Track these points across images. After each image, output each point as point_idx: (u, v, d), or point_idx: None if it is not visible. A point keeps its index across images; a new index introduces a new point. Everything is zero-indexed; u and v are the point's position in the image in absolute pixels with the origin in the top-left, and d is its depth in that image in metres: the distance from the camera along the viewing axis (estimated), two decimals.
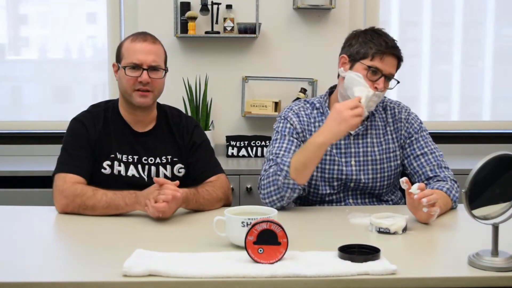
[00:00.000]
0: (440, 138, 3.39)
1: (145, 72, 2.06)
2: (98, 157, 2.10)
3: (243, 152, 3.43)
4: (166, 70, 2.13)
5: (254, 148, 3.43)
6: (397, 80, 2.09)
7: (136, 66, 2.07)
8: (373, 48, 2.03)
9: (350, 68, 2.07)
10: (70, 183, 1.99)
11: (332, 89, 2.22)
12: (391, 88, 2.09)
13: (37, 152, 3.47)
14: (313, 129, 2.14)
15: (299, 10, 3.48)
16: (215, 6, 3.39)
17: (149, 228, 1.83)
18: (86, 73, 3.72)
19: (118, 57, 2.13)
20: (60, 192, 1.98)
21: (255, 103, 3.43)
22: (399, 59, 2.08)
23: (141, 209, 1.92)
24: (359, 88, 2.01)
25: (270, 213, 1.63)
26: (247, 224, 1.55)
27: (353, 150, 2.14)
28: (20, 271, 1.45)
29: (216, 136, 3.48)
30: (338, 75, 2.14)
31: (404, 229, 1.74)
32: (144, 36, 2.12)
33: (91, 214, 1.95)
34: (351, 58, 2.08)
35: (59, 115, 3.57)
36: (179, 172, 2.15)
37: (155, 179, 1.93)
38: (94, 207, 1.93)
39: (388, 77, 2.06)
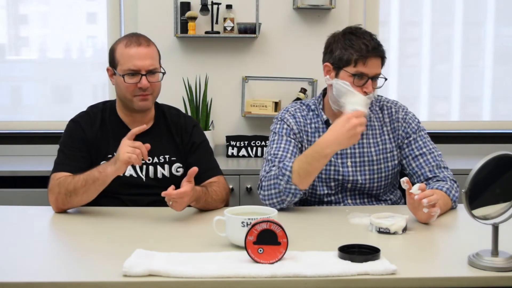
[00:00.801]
0: (440, 138, 3.39)
1: (144, 77, 2.06)
2: (95, 157, 2.10)
3: (243, 152, 3.43)
4: (163, 72, 2.12)
5: (254, 148, 3.43)
6: (384, 78, 2.08)
7: (134, 73, 2.06)
8: (354, 54, 2.01)
9: (336, 75, 2.06)
10: (57, 179, 2.00)
11: (325, 91, 2.22)
12: (380, 87, 2.08)
13: (37, 152, 3.47)
14: (309, 130, 2.14)
15: (299, 10, 3.48)
16: (215, 6, 3.39)
17: (149, 228, 1.83)
18: (86, 73, 3.72)
19: (113, 62, 2.12)
20: (49, 190, 2.00)
21: (255, 103, 3.43)
22: (382, 57, 2.06)
23: (114, 169, 1.89)
24: (349, 101, 1.99)
25: (270, 213, 1.63)
26: (247, 224, 1.55)
27: (349, 151, 2.14)
28: (20, 271, 1.45)
29: (216, 136, 3.48)
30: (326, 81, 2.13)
31: (404, 229, 1.74)
32: (137, 39, 2.09)
33: (79, 202, 1.96)
34: (334, 66, 2.06)
35: (59, 115, 3.57)
36: (177, 171, 2.16)
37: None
38: (75, 189, 1.94)
39: (375, 77, 2.05)
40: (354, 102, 1.98)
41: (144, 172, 2.12)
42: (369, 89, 2.03)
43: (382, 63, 2.07)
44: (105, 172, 1.92)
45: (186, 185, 1.86)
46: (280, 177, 1.98)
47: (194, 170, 1.89)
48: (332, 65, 2.07)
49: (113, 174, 1.92)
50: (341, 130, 1.90)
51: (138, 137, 2.14)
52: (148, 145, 1.89)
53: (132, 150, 1.85)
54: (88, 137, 2.11)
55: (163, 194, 1.84)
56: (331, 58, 2.07)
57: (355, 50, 2.01)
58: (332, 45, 2.08)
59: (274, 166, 2.03)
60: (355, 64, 2.01)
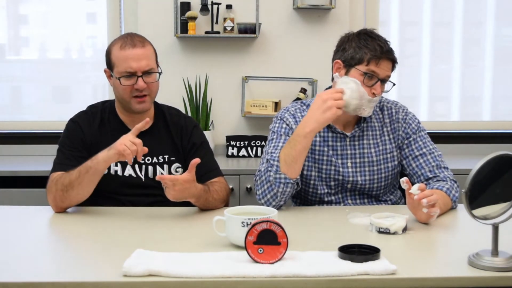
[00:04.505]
0: (440, 138, 3.40)
1: (140, 79, 2.06)
2: None
3: (243, 152, 3.43)
4: (159, 72, 2.11)
5: (254, 148, 3.43)
6: (393, 83, 2.09)
7: (130, 75, 2.06)
8: (368, 53, 2.02)
9: (346, 73, 2.06)
10: (54, 178, 2.00)
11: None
12: (387, 91, 2.09)
13: (37, 152, 3.47)
14: None
15: (299, 10, 3.48)
16: (215, 6, 3.39)
17: (149, 228, 1.83)
18: (86, 73, 3.72)
19: (109, 64, 2.12)
20: (47, 190, 2.01)
21: (255, 103, 3.43)
22: (394, 62, 2.07)
23: (105, 156, 1.90)
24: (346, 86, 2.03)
25: (270, 213, 1.63)
26: (247, 224, 1.55)
27: (349, 152, 2.14)
28: (20, 271, 1.45)
29: (216, 136, 3.48)
30: (333, 79, 2.14)
31: (404, 229, 1.74)
32: (132, 40, 2.08)
33: (76, 197, 1.96)
34: (345, 64, 2.06)
35: (59, 115, 3.57)
36: (176, 171, 2.16)
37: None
38: (70, 183, 1.94)
39: (384, 80, 2.06)
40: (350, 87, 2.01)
41: (143, 172, 2.13)
42: (378, 90, 2.03)
43: (393, 68, 2.08)
44: (97, 159, 1.92)
45: (184, 174, 1.88)
46: (269, 169, 2.00)
47: (195, 161, 1.90)
48: (343, 62, 2.07)
49: (104, 161, 1.91)
50: (314, 106, 1.97)
51: (139, 136, 2.15)
52: (146, 149, 1.89)
53: (130, 144, 1.86)
54: (87, 137, 2.11)
55: (157, 177, 1.87)
56: (343, 56, 2.07)
57: (369, 50, 2.02)
58: (345, 43, 2.09)
59: (266, 162, 2.04)
60: (367, 63, 2.02)
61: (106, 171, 2.09)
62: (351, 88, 2.00)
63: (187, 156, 2.17)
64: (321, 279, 1.37)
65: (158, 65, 2.14)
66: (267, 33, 3.49)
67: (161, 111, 2.22)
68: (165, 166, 2.15)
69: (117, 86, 2.09)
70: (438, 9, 3.78)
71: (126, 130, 2.15)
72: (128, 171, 2.11)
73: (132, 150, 1.86)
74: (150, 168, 2.13)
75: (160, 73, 2.12)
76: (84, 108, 2.21)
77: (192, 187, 1.91)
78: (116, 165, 2.11)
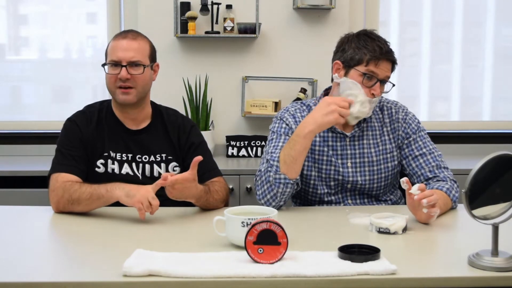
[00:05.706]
0: (440, 138, 3.39)
1: (123, 68, 2.06)
2: (92, 156, 2.11)
3: (243, 152, 3.43)
4: (146, 65, 2.10)
5: (254, 148, 3.43)
6: (392, 83, 2.09)
7: (116, 64, 2.07)
8: (367, 54, 2.02)
9: (345, 74, 2.06)
10: (61, 181, 2.00)
11: (327, 91, 2.22)
12: (387, 92, 2.09)
13: (37, 152, 3.47)
14: None
15: (299, 10, 3.48)
16: (215, 6, 3.39)
17: (149, 228, 1.83)
18: (86, 73, 3.72)
19: (106, 57, 2.15)
20: (51, 191, 2.00)
21: (255, 103, 3.43)
22: (393, 62, 2.07)
23: (121, 196, 1.88)
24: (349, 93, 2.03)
25: (270, 213, 1.63)
26: (247, 224, 1.55)
27: (349, 152, 2.14)
28: (20, 271, 1.45)
29: (216, 136, 3.48)
30: (332, 79, 2.14)
31: (404, 229, 1.74)
32: (125, 33, 2.12)
33: (79, 211, 1.95)
34: (345, 64, 2.07)
35: (59, 115, 3.55)
36: (174, 170, 2.16)
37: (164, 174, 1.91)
38: (79, 199, 1.94)
39: (384, 81, 2.06)
40: (353, 94, 2.01)
41: (140, 171, 2.13)
42: (377, 91, 2.03)
43: (393, 69, 2.08)
44: (112, 193, 1.91)
45: (186, 173, 1.88)
46: (269, 169, 2.00)
47: (198, 158, 1.89)
48: (342, 63, 2.07)
49: (117, 199, 1.90)
50: (317, 108, 1.98)
51: (135, 136, 2.15)
52: (158, 208, 1.87)
53: (147, 205, 1.84)
54: (85, 136, 2.11)
55: (162, 178, 1.86)
56: (342, 56, 2.08)
57: (368, 51, 2.02)
58: (345, 44, 2.09)
59: (266, 162, 2.04)
60: (366, 64, 2.02)
61: (103, 170, 2.10)
62: (361, 102, 2.00)
63: (186, 156, 2.18)
64: (321, 279, 1.37)
65: (155, 63, 2.15)
66: (267, 33, 3.49)
67: (159, 111, 2.23)
68: (162, 164, 2.15)
69: (105, 76, 2.11)
70: (438, 9, 3.77)
71: (122, 128, 2.16)
72: (126, 169, 2.12)
73: (146, 209, 1.84)
74: (147, 166, 2.14)
75: (145, 66, 2.10)
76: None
77: (193, 187, 1.91)
78: (113, 163, 2.11)
